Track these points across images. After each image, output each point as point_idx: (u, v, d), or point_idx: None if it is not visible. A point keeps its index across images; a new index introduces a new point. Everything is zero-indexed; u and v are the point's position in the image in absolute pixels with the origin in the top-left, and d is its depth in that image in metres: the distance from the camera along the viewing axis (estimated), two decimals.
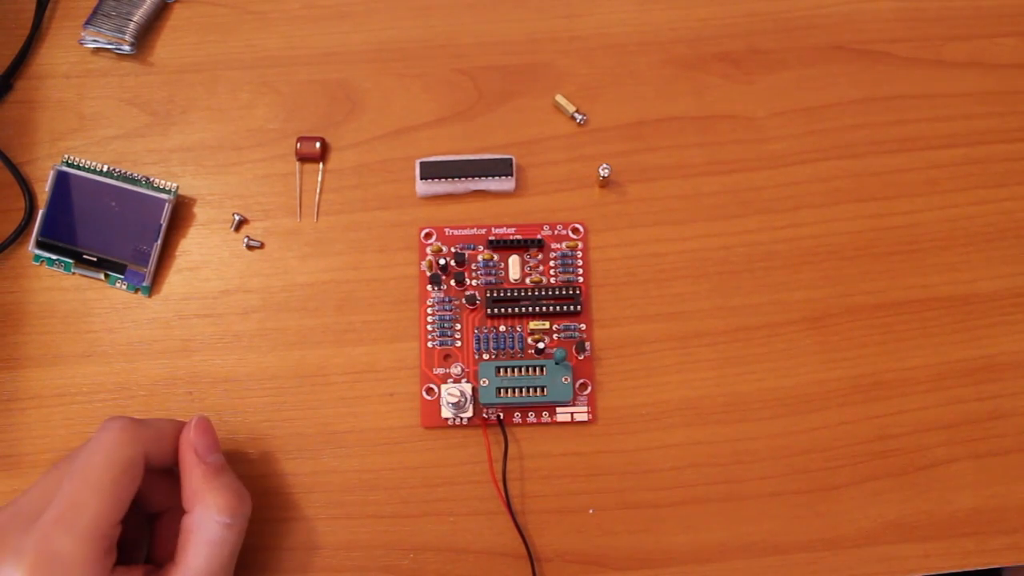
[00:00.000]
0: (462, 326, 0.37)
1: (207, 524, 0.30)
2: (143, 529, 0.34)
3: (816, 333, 0.37)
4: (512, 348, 0.37)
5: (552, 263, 0.38)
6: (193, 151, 0.39)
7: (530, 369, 0.36)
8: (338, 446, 0.36)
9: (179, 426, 0.33)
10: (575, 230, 0.38)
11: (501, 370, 0.36)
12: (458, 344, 0.37)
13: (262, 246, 0.38)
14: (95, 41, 0.39)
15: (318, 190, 0.39)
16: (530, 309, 0.37)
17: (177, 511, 0.32)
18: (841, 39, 0.41)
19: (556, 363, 0.35)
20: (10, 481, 0.36)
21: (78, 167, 0.37)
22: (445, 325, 0.37)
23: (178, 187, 0.38)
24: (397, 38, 0.40)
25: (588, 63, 0.40)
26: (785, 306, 0.38)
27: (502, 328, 0.37)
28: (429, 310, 0.37)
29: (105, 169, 0.38)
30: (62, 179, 0.37)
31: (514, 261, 0.38)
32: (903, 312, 0.38)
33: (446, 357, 0.37)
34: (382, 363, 0.37)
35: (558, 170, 0.39)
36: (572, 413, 0.36)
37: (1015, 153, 0.40)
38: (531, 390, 0.35)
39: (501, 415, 0.36)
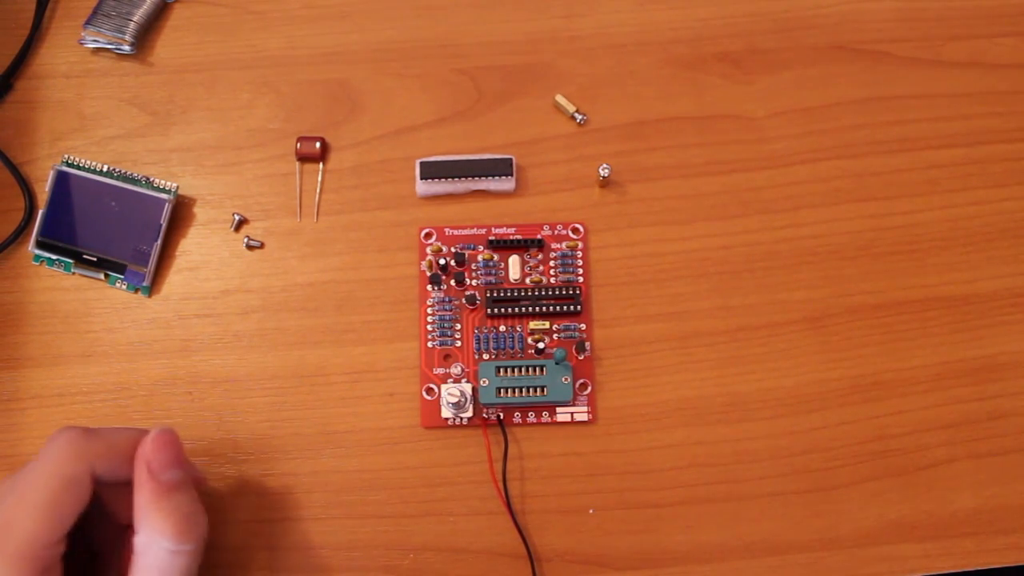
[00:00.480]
0: (462, 326, 0.37)
1: (152, 548, 0.28)
2: (118, 539, 0.32)
3: (816, 333, 0.37)
4: (512, 348, 0.37)
5: (552, 263, 0.38)
6: (193, 151, 0.39)
7: (530, 369, 0.36)
8: (338, 446, 0.36)
9: (138, 437, 0.30)
10: (575, 230, 0.38)
11: (501, 370, 0.36)
12: (458, 344, 0.37)
13: (262, 246, 0.38)
14: (95, 41, 0.39)
15: (318, 190, 0.39)
16: (530, 309, 0.37)
17: None
18: (841, 39, 0.41)
19: (556, 363, 0.35)
20: None
21: (78, 167, 0.37)
22: (445, 325, 0.37)
23: (178, 187, 0.38)
24: (397, 38, 0.40)
25: (588, 63, 0.40)
26: (785, 306, 0.38)
27: (502, 328, 0.37)
28: (429, 310, 0.37)
29: (105, 169, 0.37)
30: (62, 179, 0.37)
31: (514, 261, 0.38)
32: (903, 312, 0.38)
33: (446, 357, 0.37)
34: (382, 363, 0.37)
35: (558, 170, 0.39)
36: (572, 413, 0.36)
37: (1015, 153, 0.40)
38: (531, 390, 0.35)
39: (501, 415, 0.36)
